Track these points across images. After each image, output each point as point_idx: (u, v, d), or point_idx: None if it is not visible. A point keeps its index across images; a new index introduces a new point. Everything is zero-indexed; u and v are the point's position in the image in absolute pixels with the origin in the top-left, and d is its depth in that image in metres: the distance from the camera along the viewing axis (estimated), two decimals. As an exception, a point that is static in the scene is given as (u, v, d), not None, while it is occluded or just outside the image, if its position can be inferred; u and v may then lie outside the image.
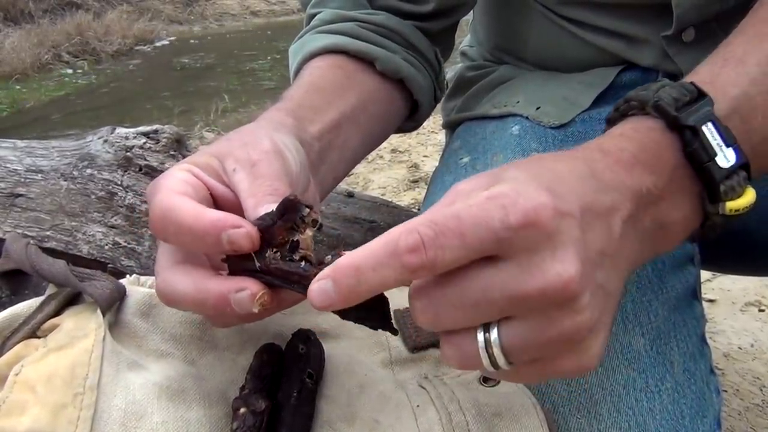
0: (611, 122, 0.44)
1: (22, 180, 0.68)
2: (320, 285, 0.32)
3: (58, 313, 0.44)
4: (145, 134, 0.73)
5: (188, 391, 0.42)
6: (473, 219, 0.31)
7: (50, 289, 0.46)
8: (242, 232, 0.36)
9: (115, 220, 0.68)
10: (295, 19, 7.35)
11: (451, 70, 0.81)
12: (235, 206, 0.41)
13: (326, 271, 0.32)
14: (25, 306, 0.44)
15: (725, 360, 1.22)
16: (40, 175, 0.69)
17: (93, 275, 0.45)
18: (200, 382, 0.43)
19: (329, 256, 0.35)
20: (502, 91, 0.71)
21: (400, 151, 2.44)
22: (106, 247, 0.67)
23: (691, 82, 0.41)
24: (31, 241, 0.50)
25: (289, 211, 0.36)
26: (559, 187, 0.33)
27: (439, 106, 0.75)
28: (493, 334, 0.33)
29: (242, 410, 0.39)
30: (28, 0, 6.52)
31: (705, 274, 1.35)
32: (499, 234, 0.31)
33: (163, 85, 4.97)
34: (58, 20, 6.37)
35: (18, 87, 5.02)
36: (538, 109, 0.64)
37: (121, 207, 0.69)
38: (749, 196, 0.40)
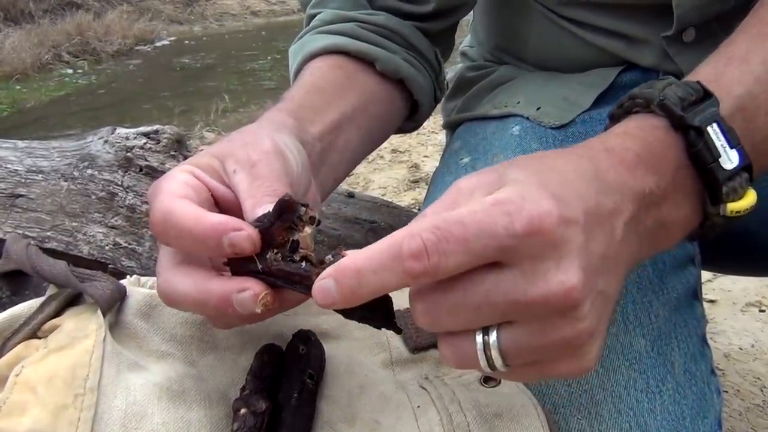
0: (614, 118, 0.44)
1: (23, 180, 0.68)
2: (323, 284, 0.32)
3: (58, 313, 0.44)
4: (146, 134, 0.73)
5: (189, 391, 0.42)
6: (477, 225, 0.31)
7: (51, 290, 0.46)
8: (243, 235, 0.36)
9: (116, 220, 0.68)
10: (295, 19, 7.35)
11: (452, 70, 0.81)
12: (236, 207, 0.41)
13: (329, 270, 0.32)
14: (26, 307, 0.44)
15: (726, 360, 1.22)
16: (40, 175, 0.69)
17: (93, 276, 0.45)
18: (201, 383, 0.43)
19: (329, 256, 0.35)
20: (502, 92, 0.71)
21: (400, 152, 2.44)
22: (107, 248, 0.67)
23: (697, 81, 0.41)
24: (32, 242, 0.50)
25: (286, 212, 0.36)
26: (563, 190, 0.33)
27: (439, 106, 0.75)
28: (492, 336, 0.33)
29: (243, 411, 0.39)
30: (29, 0, 6.52)
31: (706, 275, 1.35)
32: (503, 241, 0.31)
33: (163, 85, 4.97)
34: (58, 20, 6.37)
35: (18, 87, 5.02)
36: (538, 109, 0.64)
37: (122, 207, 0.69)
38: (750, 198, 0.40)
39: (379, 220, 0.78)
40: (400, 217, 0.81)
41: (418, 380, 0.45)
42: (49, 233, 0.66)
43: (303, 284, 0.35)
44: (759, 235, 0.65)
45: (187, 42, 6.75)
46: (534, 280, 0.31)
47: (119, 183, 0.70)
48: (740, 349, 1.26)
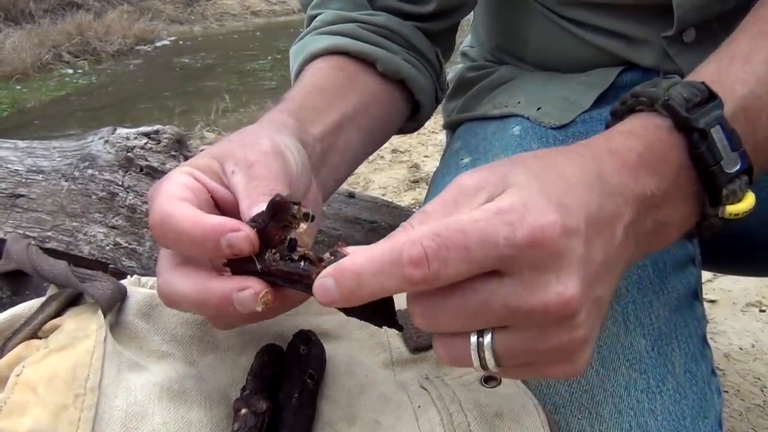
0: (617, 115, 0.43)
1: (23, 180, 0.68)
2: (323, 282, 0.32)
3: (59, 313, 0.44)
4: (146, 134, 0.73)
5: (189, 391, 0.42)
6: (479, 234, 0.31)
7: (51, 290, 0.46)
8: (241, 236, 0.36)
9: (116, 220, 0.68)
10: (295, 19, 7.35)
11: (452, 70, 0.81)
12: (236, 208, 0.41)
13: (330, 269, 0.33)
14: (26, 307, 0.44)
15: (726, 360, 1.22)
16: (41, 175, 0.69)
17: (94, 276, 0.45)
18: (201, 383, 0.43)
19: (328, 253, 0.35)
20: (502, 92, 0.71)
21: (400, 152, 2.44)
22: (107, 248, 0.67)
23: (702, 82, 0.41)
24: (32, 242, 0.50)
25: (279, 211, 0.36)
26: (566, 197, 0.33)
27: (439, 106, 0.75)
28: (487, 339, 0.33)
29: (243, 411, 0.39)
30: (29, 0, 6.52)
31: (706, 275, 1.35)
32: (503, 251, 0.31)
33: (163, 85, 4.97)
34: (58, 20, 6.37)
35: (19, 87, 5.02)
36: (538, 109, 0.64)
37: (122, 207, 0.69)
38: (749, 201, 0.40)
39: (380, 220, 0.78)
40: (400, 217, 0.81)
41: (419, 380, 0.45)
42: (49, 233, 0.66)
43: (303, 283, 0.35)
44: (759, 235, 0.65)
45: (187, 42, 6.75)
46: (533, 290, 0.32)
47: (120, 183, 0.70)
48: (740, 349, 1.26)
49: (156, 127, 0.75)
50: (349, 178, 0.63)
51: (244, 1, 8.21)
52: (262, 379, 0.42)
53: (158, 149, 0.72)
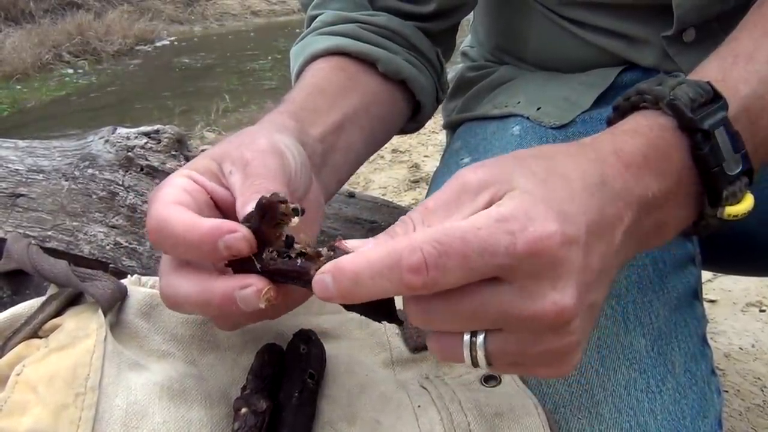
0: (619, 110, 0.43)
1: (24, 180, 0.68)
2: (322, 278, 0.33)
3: (59, 313, 0.44)
4: (147, 134, 0.73)
5: (189, 391, 0.42)
6: (479, 243, 0.31)
7: (51, 290, 0.46)
8: (238, 237, 0.36)
9: (117, 220, 0.68)
10: (295, 19, 7.35)
11: (452, 70, 0.81)
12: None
13: (329, 266, 0.33)
14: (27, 306, 0.44)
15: (726, 360, 1.22)
16: (41, 175, 0.69)
17: (94, 275, 0.45)
18: (201, 383, 0.43)
19: (326, 249, 0.35)
20: (502, 92, 0.71)
21: (400, 152, 2.44)
22: (108, 248, 0.67)
23: (708, 82, 0.41)
24: (33, 241, 0.50)
25: (268, 211, 0.36)
26: (568, 204, 0.33)
27: (439, 106, 0.75)
28: (480, 338, 0.34)
29: (243, 410, 0.39)
30: (29, 0, 6.52)
31: (706, 275, 1.34)
32: (503, 260, 0.31)
33: (163, 85, 4.97)
34: (58, 20, 6.37)
35: (19, 87, 5.02)
36: (538, 109, 0.64)
37: (123, 207, 0.69)
38: (748, 202, 0.41)
39: (380, 220, 0.78)
40: (400, 216, 0.81)
41: (419, 380, 0.45)
42: (50, 233, 0.66)
43: (302, 279, 0.35)
44: (759, 235, 0.65)
45: (187, 42, 6.75)
46: (530, 298, 0.32)
47: (120, 182, 0.70)
48: (740, 349, 1.26)
49: (156, 126, 0.75)
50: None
51: (244, 1, 8.21)
52: (263, 378, 0.42)
53: (158, 149, 0.72)
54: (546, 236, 0.31)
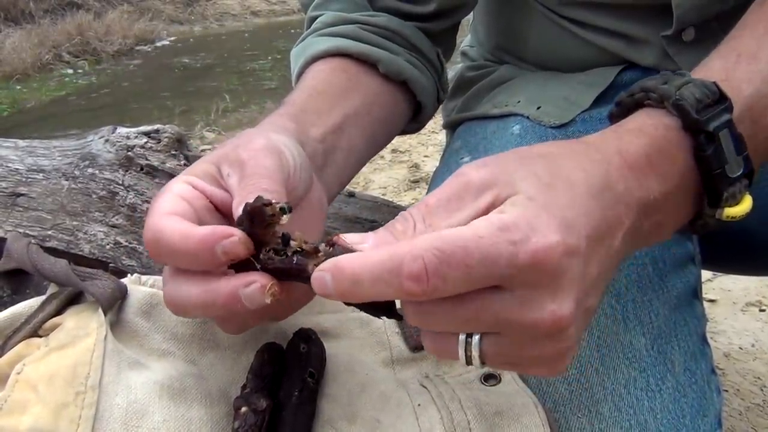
0: (622, 106, 0.43)
1: (24, 179, 0.68)
2: (321, 276, 0.33)
3: (59, 312, 0.44)
4: (146, 134, 0.73)
5: (189, 390, 0.42)
6: (481, 253, 0.31)
7: (51, 289, 0.46)
8: (234, 241, 0.36)
9: (117, 219, 0.68)
10: (295, 19, 7.34)
11: (452, 70, 0.81)
12: None
13: (329, 264, 0.33)
14: (27, 305, 0.44)
15: (726, 360, 1.22)
16: (41, 174, 0.69)
17: (94, 274, 0.45)
18: (201, 381, 0.43)
19: (323, 244, 0.35)
20: (502, 91, 0.71)
21: (400, 151, 2.44)
22: (108, 247, 0.67)
23: (714, 83, 0.41)
24: (33, 241, 0.50)
25: (256, 216, 0.36)
26: (570, 210, 0.33)
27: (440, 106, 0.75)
28: (475, 339, 0.34)
29: (243, 409, 0.39)
30: (29, 0, 6.52)
31: (706, 274, 1.35)
32: (504, 271, 0.31)
33: (163, 85, 4.97)
34: (58, 20, 6.37)
35: (19, 87, 5.02)
36: (538, 108, 0.64)
37: (123, 206, 0.69)
38: (746, 204, 0.41)
39: (380, 219, 0.79)
40: (400, 216, 0.81)
41: (419, 379, 0.46)
42: (50, 232, 0.66)
43: (301, 276, 0.35)
44: (758, 234, 0.65)
45: (187, 42, 6.74)
46: (528, 306, 0.32)
47: (120, 182, 0.70)
48: (740, 348, 1.26)
49: (156, 126, 0.75)
50: (349, 178, 0.63)
51: (244, 1, 8.21)
52: (263, 377, 0.43)
53: (158, 148, 0.72)
54: (548, 247, 0.31)
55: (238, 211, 0.38)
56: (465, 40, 0.85)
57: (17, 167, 0.69)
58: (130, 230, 0.68)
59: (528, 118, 0.64)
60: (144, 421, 0.39)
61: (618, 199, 0.36)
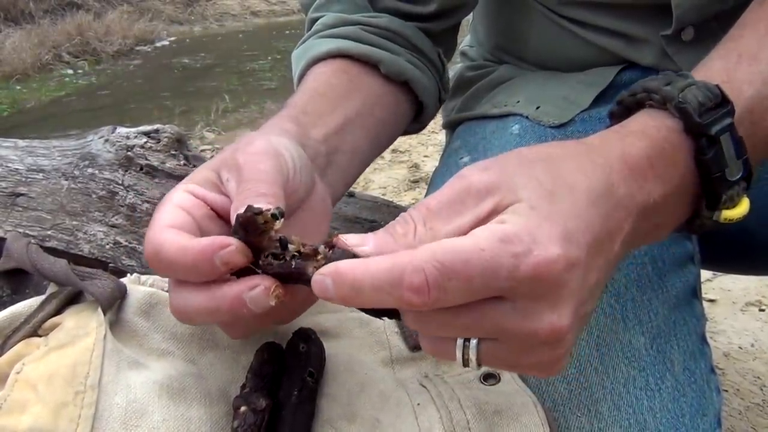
0: (622, 105, 0.43)
1: (24, 179, 0.68)
2: (322, 280, 0.33)
3: (59, 311, 0.44)
4: (146, 134, 0.73)
5: (189, 389, 0.42)
6: (482, 266, 0.31)
7: (51, 288, 0.46)
8: (232, 250, 0.36)
9: (116, 219, 0.68)
10: (295, 19, 7.34)
11: (451, 70, 0.81)
12: None
13: (330, 268, 0.33)
14: (26, 305, 0.44)
15: (726, 359, 1.22)
16: (41, 174, 0.69)
17: (94, 274, 0.45)
18: (201, 381, 0.43)
19: (321, 245, 0.35)
20: (502, 91, 0.71)
21: (400, 152, 2.44)
22: (107, 247, 0.67)
23: (717, 86, 0.41)
24: (32, 241, 0.50)
25: (248, 225, 0.36)
26: (572, 221, 0.33)
27: (441, 106, 0.75)
28: (473, 343, 0.34)
29: (243, 409, 0.39)
30: (29, 0, 6.52)
31: (705, 274, 1.35)
32: (504, 284, 0.32)
33: (163, 85, 4.96)
34: (58, 20, 6.36)
35: (18, 87, 5.02)
36: (538, 108, 0.64)
37: (122, 206, 0.69)
38: (744, 207, 0.41)
39: (379, 219, 0.79)
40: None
41: (418, 378, 0.46)
42: (49, 232, 0.66)
43: (302, 279, 0.35)
44: (758, 234, 0.65)
45: (187, 42, 6.74)
46: (527, 317, 0.32)
47: (120, 182, 0.70)
48: (740, 348, 1.26)
49: (156, 126, 0.75)
50: (349, 178, 0.62)
51: (244, 1, 8.21)
52: (262, 377, 0.43)
53: (158, 148, 0.73)
54: (550, 261, 0.32)
55: (234, 218, 0.38)
56: (464, 40, 0.85)
57: (17, 167, 0.69)
58: (130, 230, 0.68)
59: (527, 117, 0.64)
60: (143, 420, 0.39)
61: (618, 204, 0.36)
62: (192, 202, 0.40)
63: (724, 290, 1.43)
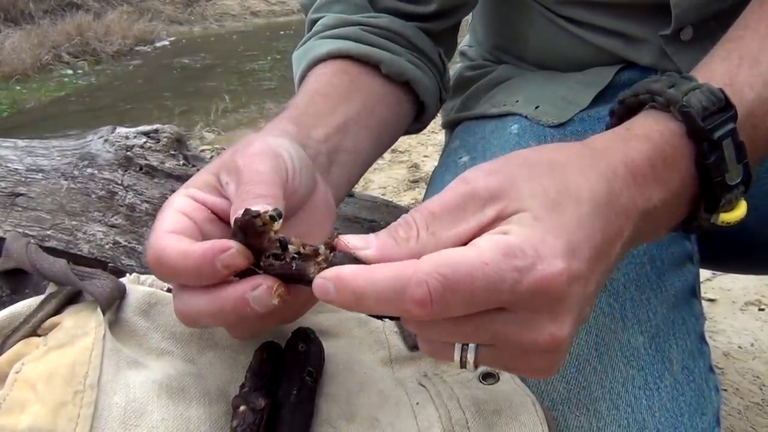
0: (624, 105, 0.43)
1: (23, 179, 0.68)
2: (324, 284, 0.33)
3: (58, 311, 0.44)
4: (146, 134, 0.73)
5: (188, 389, 0.42)
6: (486, 281, 0.31)
7: (50, 288, 0.46)
8: (233, 253, 0.36)
9: (116, 219, 0.68)
10: (295, 19, 7.34)
11: (450, 69, 0.81)
12: None
13: (332, 273, 0.33)
14: (26, 305, 0.44)
15: (725, 359, 1.22)
16: (40, 174, 0.69)
17: (93, 274, 0.45)
18: (200, 380, 0.43)
19: (322, 246, 0.36)
20: (501, 91, 0.71)
21: (400, 151, 2.44)
22: (107, 246, 0.67)
23: (720, 90, 0.41)
24: (32, 240, 0.50)
25: (247, 228, 0.36)
26: (576, 233, 0.34)
27: (439, 106, 0.75)
28: (471, 347, 0.35)
29: (242, 408, 0.39)
30: (29, 0, 6.51)
31: (705, 273, 1.35)
32: (506, 296, 0.32)
33: (163, 86, 4.96)
34: (58, 21, 6.36)
35: (18, 87, 5.02)
36: (537, 108, 0.64)
37: (122, 206, 0.69)
38: (741, 210, 0.41)
39: (379, 219, 0.79)
40: (399, 216, 0.81)
41: (417, 378, 0.46)
42: (49, 232, 0.66)
43: (303, 280, 0.35)
44: (757, 234, 0.65)
45: (187, 42, 6.74)
46: (527, 327, 0.33)
47: (119, 182, 0.70)
48: (739, 347, 1.26)
49: (155, 126, 0.75)
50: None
51: (244, 1, 8.21)
52: (261, 376, 0.43)
53: (158, 148, 0.73)
54: (552, 275, 0.32)
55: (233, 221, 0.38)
56: (464, 39, 0.85)
57: (16, 167, 0.69)
58: (129, 230, 0.68)
59: (526, 117, 0.64)
60: (142, 420, 0.39)
61: (620, 211, 0.37)
62: (193, 206, 0.40)
63: (723, 289, 1.43)
